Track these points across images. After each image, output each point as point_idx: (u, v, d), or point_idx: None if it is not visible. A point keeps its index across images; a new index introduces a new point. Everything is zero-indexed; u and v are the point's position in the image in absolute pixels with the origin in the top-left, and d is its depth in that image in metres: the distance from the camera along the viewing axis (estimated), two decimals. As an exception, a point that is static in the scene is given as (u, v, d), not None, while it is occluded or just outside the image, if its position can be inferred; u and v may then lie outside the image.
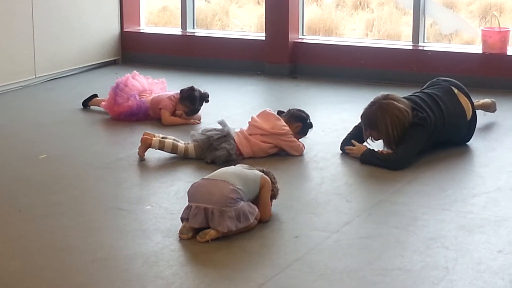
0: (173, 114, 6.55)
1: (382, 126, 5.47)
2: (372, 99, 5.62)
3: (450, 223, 4.47)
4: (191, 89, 6.58)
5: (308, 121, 5.81)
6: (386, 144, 5.54)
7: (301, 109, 5.88)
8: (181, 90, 6.60)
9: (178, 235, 4.28)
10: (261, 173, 4.53)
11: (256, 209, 4.40)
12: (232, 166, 4.66)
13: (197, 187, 4.41)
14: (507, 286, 3.72)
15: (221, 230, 4.22)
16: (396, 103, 5.51)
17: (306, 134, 5.83)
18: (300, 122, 5.75)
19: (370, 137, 5.60)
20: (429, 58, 7.84)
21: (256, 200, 4.46)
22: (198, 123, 6.52)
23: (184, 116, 6.54)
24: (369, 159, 5.47)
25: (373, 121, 5.52)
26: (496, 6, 9.93)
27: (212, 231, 4.23)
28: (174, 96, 6.59)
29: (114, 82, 6.83)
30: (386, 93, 5.65)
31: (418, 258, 4.03)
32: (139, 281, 3.82)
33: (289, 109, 5.85)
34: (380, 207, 4.73)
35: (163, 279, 3.83)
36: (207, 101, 6.60)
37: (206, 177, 4.49)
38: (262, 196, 4.48)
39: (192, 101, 6.54)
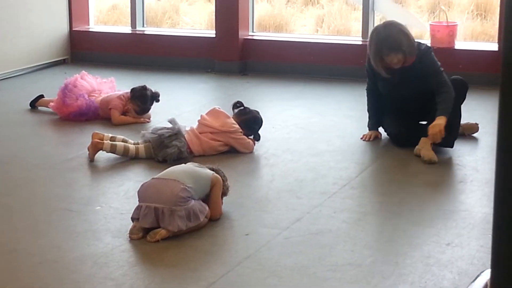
0: (123, 113, 6.51)
1: (404, 39, 5.50)
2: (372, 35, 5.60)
3: (400, 217, 4.50)
4: (143, 88, 6.56)
5: (259, 126, 5.79)
6: (408, 53, 5.52)
7: (257, 111, 5.85)
8: (133, 89, 6.57)
9: (128, 235, 4.25)
10: (212, 172, 4.51)
11: (207, 208, 4.38)
12: (183, 165, 4.64)
13: (147, 187, 4.38)
14: (455, 278, 3.75)
15: (171, 230, 4.20)
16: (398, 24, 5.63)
17: (258, 139, 5.79)
18: (249, 131, 5.73)
19: (389, 64, 5.54)
20: (379, 53, 7.87)
21: (206, 198, 4.45)
22: (148, 122, 6.50)
23: (134, 114, 6.50)
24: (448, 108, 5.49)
25: (394, 41, 5.48)
26: (444, 1, 10.03)
27: (162, 230, 4.20)
28: (123, 96, 6.56)
29: (63, 82, 6.77)
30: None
31: (368, 252, 4.05)
32: (89, 283, 3.78)
33: (245, 108, 5.81)
34: (330, 202, 4.74)
35: (113, 280, 3.80)
36: (158, 100, 6.58)
37: (156, 176, 4.46)
38: (213, 194, 4.46)
39: (143, 100, 6.51)
